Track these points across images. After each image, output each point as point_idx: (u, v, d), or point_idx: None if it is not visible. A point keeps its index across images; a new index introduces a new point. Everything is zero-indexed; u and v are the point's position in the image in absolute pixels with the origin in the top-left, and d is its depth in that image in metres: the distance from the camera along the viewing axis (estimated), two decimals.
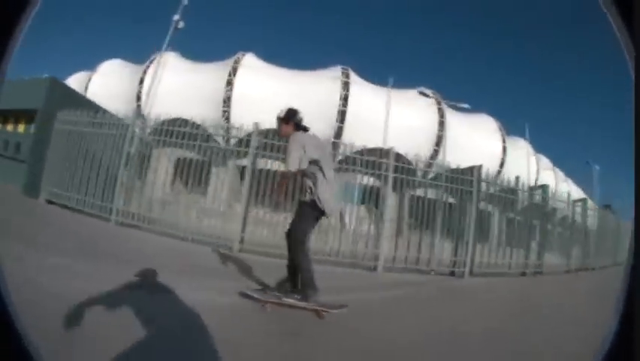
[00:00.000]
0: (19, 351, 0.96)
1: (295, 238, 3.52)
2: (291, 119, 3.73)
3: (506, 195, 9.06)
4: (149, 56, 24.32)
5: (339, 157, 8.30)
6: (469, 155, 20.43)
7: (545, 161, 30.34)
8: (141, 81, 23.21)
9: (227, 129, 9.97)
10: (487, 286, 7.14)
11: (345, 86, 21.60)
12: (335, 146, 10.98)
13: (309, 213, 3.56)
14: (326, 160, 3.63)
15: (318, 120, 18.88)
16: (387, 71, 65.00)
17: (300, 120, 3.76)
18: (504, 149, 25.65)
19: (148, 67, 23.37)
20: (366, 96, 21.69)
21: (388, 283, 6.24)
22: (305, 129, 3.76)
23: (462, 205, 8.07)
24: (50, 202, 8.50)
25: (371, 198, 8.11)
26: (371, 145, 9.06)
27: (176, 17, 20.71)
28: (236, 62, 21.83)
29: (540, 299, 6.45)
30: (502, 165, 24.07)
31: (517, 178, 9.38)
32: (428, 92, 24.19)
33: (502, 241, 9.27)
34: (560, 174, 31.67)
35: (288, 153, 3.50)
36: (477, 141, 23.75)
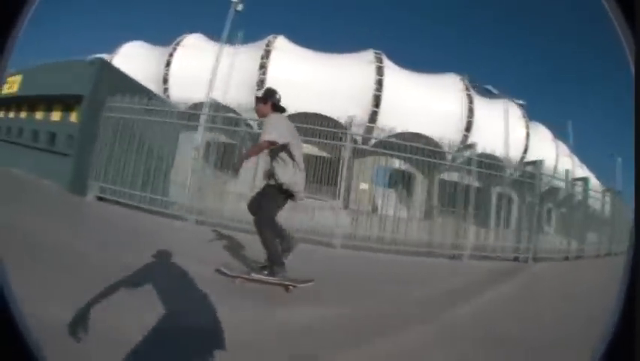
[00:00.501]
0: (22, 351, 0.97)
1: (261, 219, 3.61)
2: (269, 98, 3.78)
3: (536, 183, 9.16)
4: (175, 38, 23.68)
5: (374, 141, 8.26)
6: (496, 141, 20.23)
7: (564, 147, 29.79)
8: (167, 64, 22.59)
9: None
10: (556, 270, 7.69)
11: (379, 70, 21.14)
12: (369, 130, 10.81)
13: (275, 194, 3.65)
14: (297, 145, 3.69)
15: (352, 104, 18.74)
16: (414, 56, 62.94)
17: (278, 100, 3.81)
18: (527, 135, 25.51)
19: (175, 49, 22.80)
20: (399, 81, 21.27)
21: (502, 272, 6.41)
22: (282, 110, 3.84)
23: (521, 196, 8.60)
24: (101, 199, 7.97)
25: (403, 182, 8.54)
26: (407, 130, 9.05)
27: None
28: (268, 44, 21.28)
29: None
30: (525, 150, 24.17)
31: (566, 171, 10.16)
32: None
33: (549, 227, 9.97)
34: (576, 159, 31.37)
35: (268, 127, 3.54)
36: (503, 127, 23.54)
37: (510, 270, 6.70)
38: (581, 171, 26.67)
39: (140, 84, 10.16)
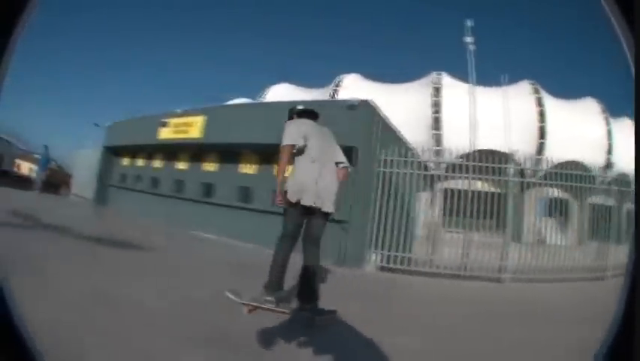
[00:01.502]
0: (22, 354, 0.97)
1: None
2: (290, 116, 3.61)
3: None
4: (333, 78, 23.90)
5: (541, 173, 8.48)
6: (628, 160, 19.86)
7: None
8: None
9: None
10: None
11: (539, 101, 21.51)
12: (538, 162, 10.98)
13: (286, 208, 3.28)
14: (319, 149, 3.32)
15: (519, 137, 18.92)
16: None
17: (298, 111, 3.59)
18: None
19: (335, 90, 22.93)
20: (553, 110, 21.70)
21: None
22: (309, 114, 3.59)
23: None
24: (383, 269, 7.01)
25: (563, 210, 8.42)
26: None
27: (468, 39, 20.47)
28: (435, 82, 21.59)
29: None
30: None
31: None
32: None
33: None
34: None
35: (283, 132, 3.33)
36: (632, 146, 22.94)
37: None
38: None
39: (396, 131, 9.11)
